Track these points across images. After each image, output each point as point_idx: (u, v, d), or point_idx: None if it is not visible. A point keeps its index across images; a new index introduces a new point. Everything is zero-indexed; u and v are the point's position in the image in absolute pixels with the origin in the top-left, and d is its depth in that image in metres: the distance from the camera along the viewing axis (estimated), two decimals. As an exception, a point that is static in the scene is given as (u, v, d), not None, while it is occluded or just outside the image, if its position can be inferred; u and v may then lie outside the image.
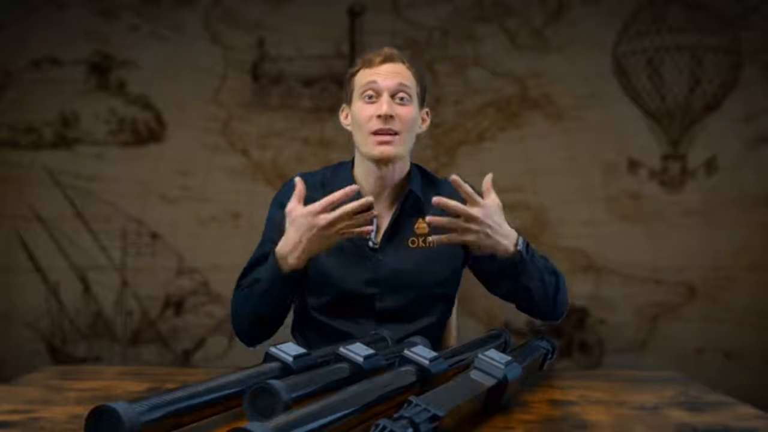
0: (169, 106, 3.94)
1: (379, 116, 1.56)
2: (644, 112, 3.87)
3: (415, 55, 3.80)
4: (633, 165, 3.88)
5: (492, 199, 1.46)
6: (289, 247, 1.46)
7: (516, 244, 1.47)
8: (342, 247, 1.61)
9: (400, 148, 1.59)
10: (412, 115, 1.60)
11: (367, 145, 1.59)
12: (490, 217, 1.44)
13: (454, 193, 1.67)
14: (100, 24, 3.93)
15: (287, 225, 1.47)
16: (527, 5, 3.93)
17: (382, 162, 1.60)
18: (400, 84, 1.59)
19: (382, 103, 1.57)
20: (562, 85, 3.90)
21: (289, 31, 3.95)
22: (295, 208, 1.45)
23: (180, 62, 3.93)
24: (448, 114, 3.86)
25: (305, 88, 3.95)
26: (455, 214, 1.43)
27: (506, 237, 1.46)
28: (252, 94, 3.97)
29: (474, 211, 1.42)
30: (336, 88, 3.91)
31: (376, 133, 1.57)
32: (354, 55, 3.93)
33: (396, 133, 1.58)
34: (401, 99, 1.59)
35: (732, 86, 3.83)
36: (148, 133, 3.94)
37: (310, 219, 1.42)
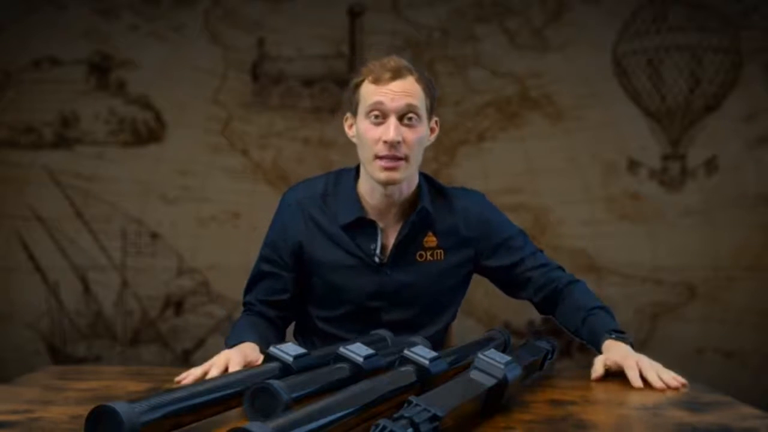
0: (169, 106, 3.94)
1: (385, 141, 1.50)
2: (644, 112, 3.87)
3: (415, 55, 3.80)
4: (633, 165, 3.88)
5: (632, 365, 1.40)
6: None
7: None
8: (349, 261, 1.60)
9: (406, 172, 1.53)
10: (420, 136, 1.53)
11: (372, 168, 1.53)
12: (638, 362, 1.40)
13: (464, 205, 1.67)
14: (100, 24, 3.93)
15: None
16: (527, 5, 3.93)
17: (387, 185, 1.55)
18: (409, 105, 1.51)
19: (389, 127, 1.49)
20: (562, 85, 3.90)
21: (289, 31, 3.95)
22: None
23: (180, 62, 3.93)
24: (448, 114, 3.85)
25: (305, 88, 3.95)
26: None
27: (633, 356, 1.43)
28: (252, 94, 3.96)
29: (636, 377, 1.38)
30: (336, 88, 3.90)
31: (382, 157, 1.51)
32: (354, 55, 3.93)
33: (402, 158, 1.51)
34: (409, 120, 1.52)
35: (732, 86, 3.83)
36: (148, 133, 3.94)
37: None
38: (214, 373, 1.34)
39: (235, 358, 1.39)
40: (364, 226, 1.60)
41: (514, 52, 3.92)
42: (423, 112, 1.55)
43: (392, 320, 1.61)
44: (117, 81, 3.93)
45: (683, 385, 1.35)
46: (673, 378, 1.36)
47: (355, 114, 1.58)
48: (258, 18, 3.96)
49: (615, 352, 1.44)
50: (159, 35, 3.93)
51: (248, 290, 1.67)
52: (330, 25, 3.94)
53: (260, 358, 1.39)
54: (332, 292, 1.62)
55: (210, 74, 3.94)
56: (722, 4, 3.84)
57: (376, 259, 1.60)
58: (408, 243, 1.61)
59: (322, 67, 3.96)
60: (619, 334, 1.50)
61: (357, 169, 1.65)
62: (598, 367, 1.43)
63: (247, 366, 1.38)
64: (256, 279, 1.66)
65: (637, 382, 1.35)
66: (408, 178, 1.57)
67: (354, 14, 3.94)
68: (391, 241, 1.61)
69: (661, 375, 1.36)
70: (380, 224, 1.60)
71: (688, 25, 3.86)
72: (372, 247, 1.60)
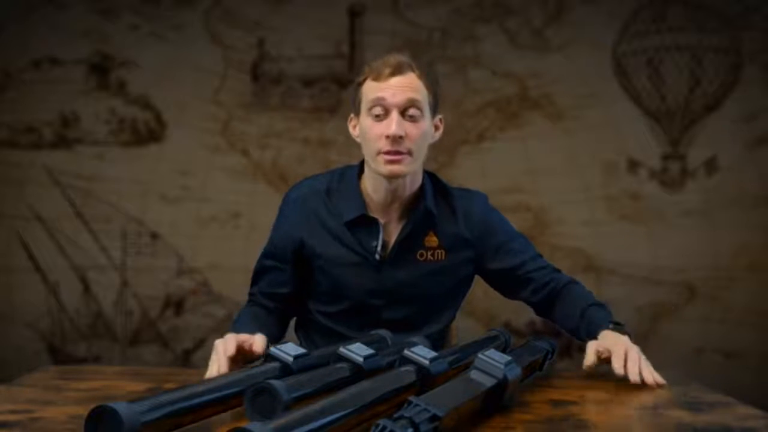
0: (169, 106, 3.94)
1: (387, 136, 1.50)
2: (644, 112, 3.87)
3: (415, 55, 3.79)
4: (633, 165, 3.88)
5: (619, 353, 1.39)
6: None
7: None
8: (350, 258, 1.60)
9: (410, 166, 1.53)
10: (422, 131, 1.54)
11: (377, 163, 1.53)
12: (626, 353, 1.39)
13: (466, 206, 1.66)
14: (100, 24, 3.93)
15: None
16: (527, 5, 3.93)
17: (392, 178, 1.55)
18: (410, 99, 1.51)
19: (390, 123, 1.49)
20: (562, 85, 3.90)
21: (289, 31, 3.95)
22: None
23: (180, 62, 3.93)
24: (448, 114, 3.84)
25: (305, 88, 3.95)
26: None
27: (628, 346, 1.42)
28: (252, 94, 3.96)
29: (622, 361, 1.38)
30: (336, 88, 3.91)
31: (386, 152, 1.51)
32: (354, 55, 3.93)
33: (406, 153, 1.51)
34: (411, 116, 1.52)
35: (732, 86, 3.83)
36: (148, 133, 3.94)
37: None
38: (213, 370, 1.32)
39: (229, 343, 1.35)
40: (366, 223, 1.60)
41: (514, 52, 3.92)
42: (425, 108, 1.55)
43: (392, 318, 1.61)
44: (117, 81, 3.93)
45: (658, 385, 1.34)
46: (651, 374, 1.35)
47: (358, 113, 1.58)
48: (258, 18, 3.96)
49: (608, 340, 1.43)
50: (159, 35, 3.93)
51: (253, 283, 1.70)
52: (330, 25, 3.95)
53: (255, 338, 1.38)
54: (333, 288, 1.62)
55: (210, 74, 3.94)
56: (722, 4, 3.84)
57: (377, 257, 1.60)
58: (409, 241, 1.61)
59: (322, 67, 3.96)
60: (618, 326, 1.48)
61: (360, 165, 1.65)
62: (590, 354, 1.41)
63: (242, 342, 1.35)
64: (259, 273, 1.69)
65: (618, 369, 1.34)
66: (412, 173, 1.57)
67: (354, 14, 3.94)
68: (392, 238, 1.61)
69: (642, 370, 1.35)
70: (382, 221, 1.60)
71: (688, 25, 3.86)
72: (373, 244, 1.60)
